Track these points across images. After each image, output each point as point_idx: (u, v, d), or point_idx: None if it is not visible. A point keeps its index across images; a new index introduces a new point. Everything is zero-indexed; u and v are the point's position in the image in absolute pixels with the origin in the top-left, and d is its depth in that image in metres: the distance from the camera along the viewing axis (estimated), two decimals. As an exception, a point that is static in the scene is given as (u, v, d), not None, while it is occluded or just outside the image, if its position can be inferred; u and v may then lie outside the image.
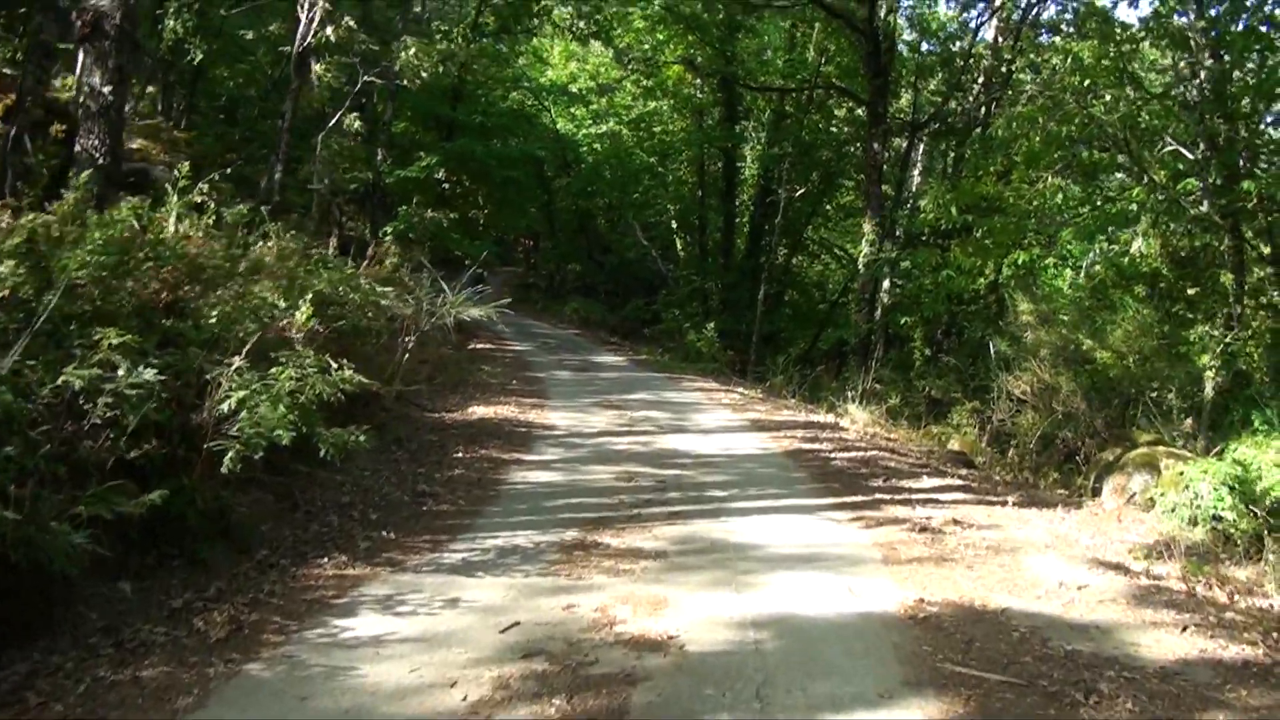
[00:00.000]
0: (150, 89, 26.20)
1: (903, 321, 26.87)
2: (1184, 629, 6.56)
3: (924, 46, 31.86)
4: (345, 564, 7.29)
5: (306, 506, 8.59)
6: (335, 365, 7.55)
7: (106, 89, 11.36)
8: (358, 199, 28.56)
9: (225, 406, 6.95)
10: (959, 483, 11.48)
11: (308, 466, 9.48)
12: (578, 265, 45.26)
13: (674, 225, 38.32)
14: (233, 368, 7.15)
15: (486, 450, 11.88)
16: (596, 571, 7.28)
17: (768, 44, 33.97)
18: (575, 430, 13.98)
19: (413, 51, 16.87)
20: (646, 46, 31.02)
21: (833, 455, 12.84)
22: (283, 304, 9.78)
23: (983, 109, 29.47)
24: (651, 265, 39.82)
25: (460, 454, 11.48)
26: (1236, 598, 7.43)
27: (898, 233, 29.53)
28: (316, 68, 17.85)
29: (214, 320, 7.70)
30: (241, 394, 6.93)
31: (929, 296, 25.25)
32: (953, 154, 31.27)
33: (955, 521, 9.13)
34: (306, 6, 17.23)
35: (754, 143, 35.73)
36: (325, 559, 7.37)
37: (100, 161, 11.29)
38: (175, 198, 10.54)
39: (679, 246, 39.39)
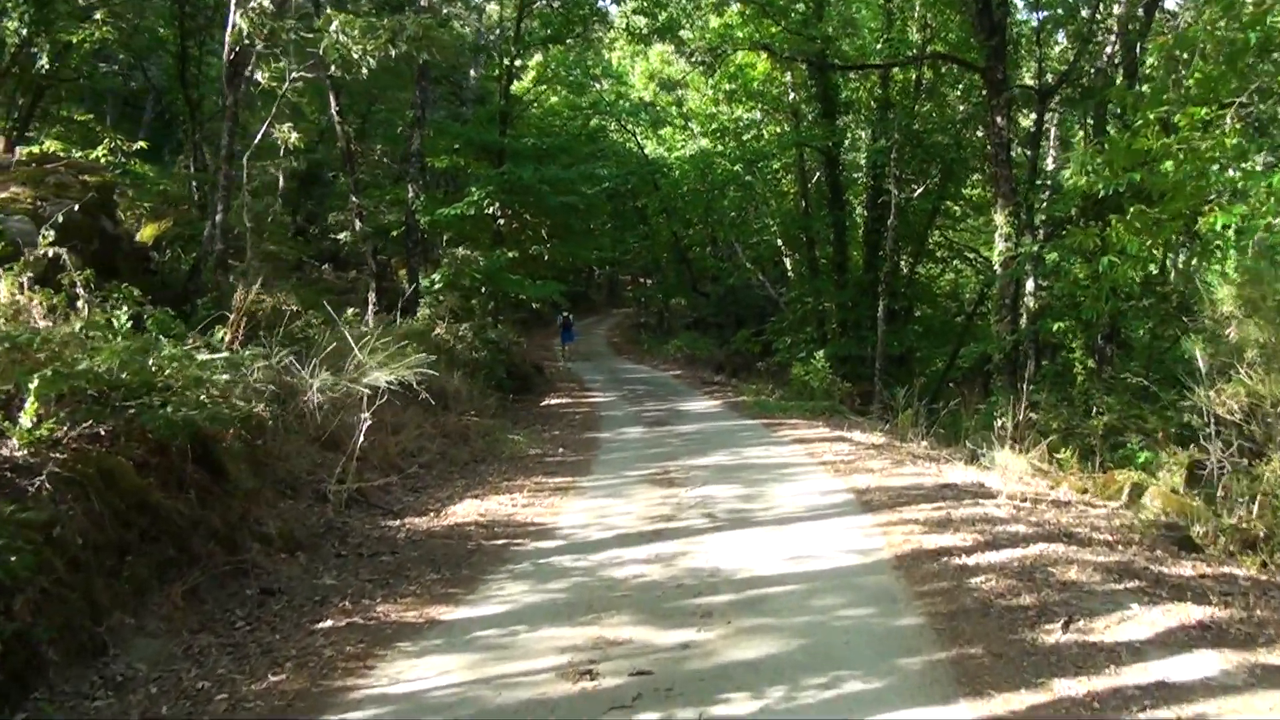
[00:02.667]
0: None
1: (1055, 328, 21.21)
2: None
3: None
4: None
5: None
6: None
7: None
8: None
9: None
10: (1197, 614, 6.16)
11: None
12: (682, 299, 40.41)
13: (779, 243, 33.01)
14: None
15: (390, 605, 7.05)
16: None
17: (861, 24, 28.57)
18: (580, 537, 9.05)
19: (335, 26, 12.11)
20: (718, 36, 25.79)
21: (973, 560, 7.63)
22: None
23: (1120, 63, 23.74)
24: (760, 290, 34.67)
25: (330, 622, 6.65)
26: None
27: (1036, 222, 23.96)
28: (259, 77, 13.41)
29: None
30: None
31: (1087, 293, 19.69)
32: (1092, 120, 25.58)
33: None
34: (232, 8, 12.80)
35: (858, 140, 30.37)
36: None
37: None
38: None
39: (789, 266, 34.10)
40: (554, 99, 37.77)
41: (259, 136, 13.94)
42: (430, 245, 23.96)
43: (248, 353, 8.98)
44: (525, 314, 36.98)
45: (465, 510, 10.44)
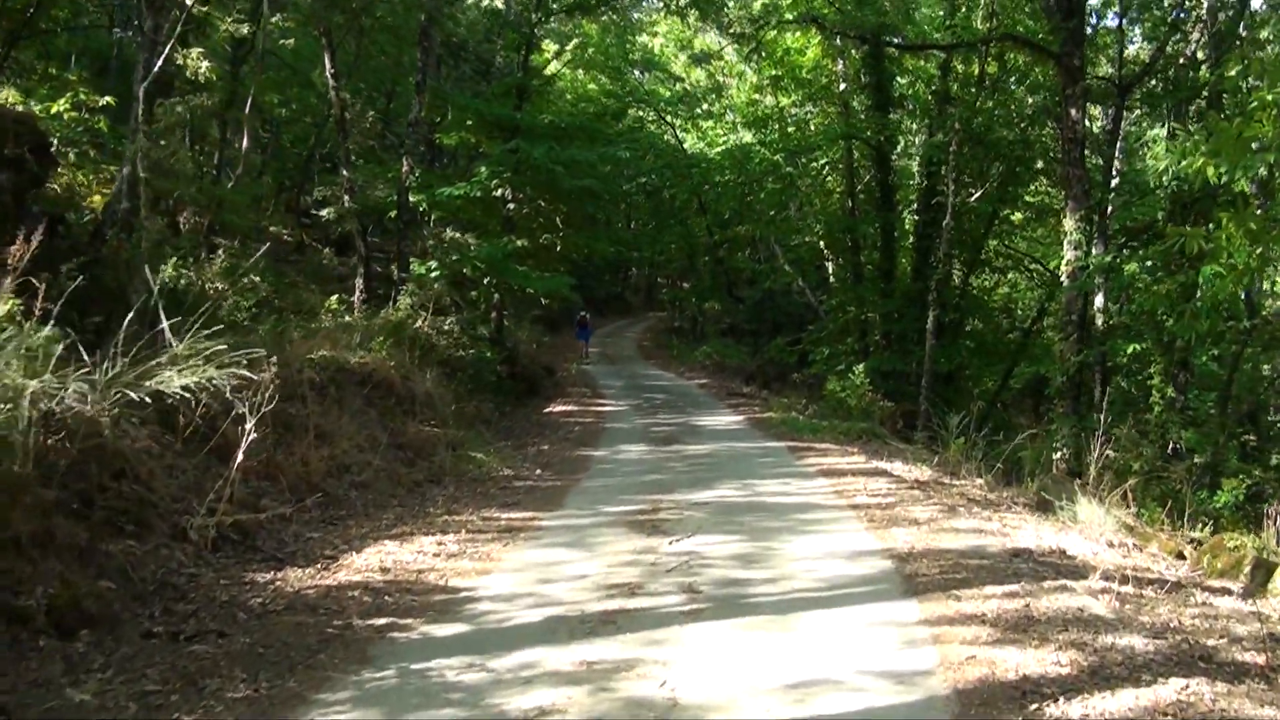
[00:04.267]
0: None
1: (1129, 350, 18.18)
2: None
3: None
4: None
5: None
6: None
7: None
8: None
9: None
10: None
11: None
12: (716, 303, 37.52)
13: (822, 245, 29.91)
14: None
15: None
16: None
17: (923, 20, 25.49)
18: (495, 620, 6.27)
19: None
20: (763, 9, 22.69)
21: (1077, 711, 4.76)
22: None
23: (1207, 59, 20.65)
24: (799, 297, 31.66)
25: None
26: None
27: (1110, 230, 20.89)
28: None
29: None
30: None
31: (1180, 309, 16.77)
32: (1173, 122, 22.45)
33: None
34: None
35: (910, 144, 27.37)
36: None
37: None
38: None
39: (831, 272, 31.05)
40: (592, 86, 35.11)
41: (159, 62, 11.06)
42: (425, 227, 21.22)
43: (43, 334, 6.19)
44: (546, 311, 34.34)
45: (368, 560, 7.67)
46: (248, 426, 7.94)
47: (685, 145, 34.29)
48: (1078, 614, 6.28)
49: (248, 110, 18.52)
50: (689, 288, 41.18)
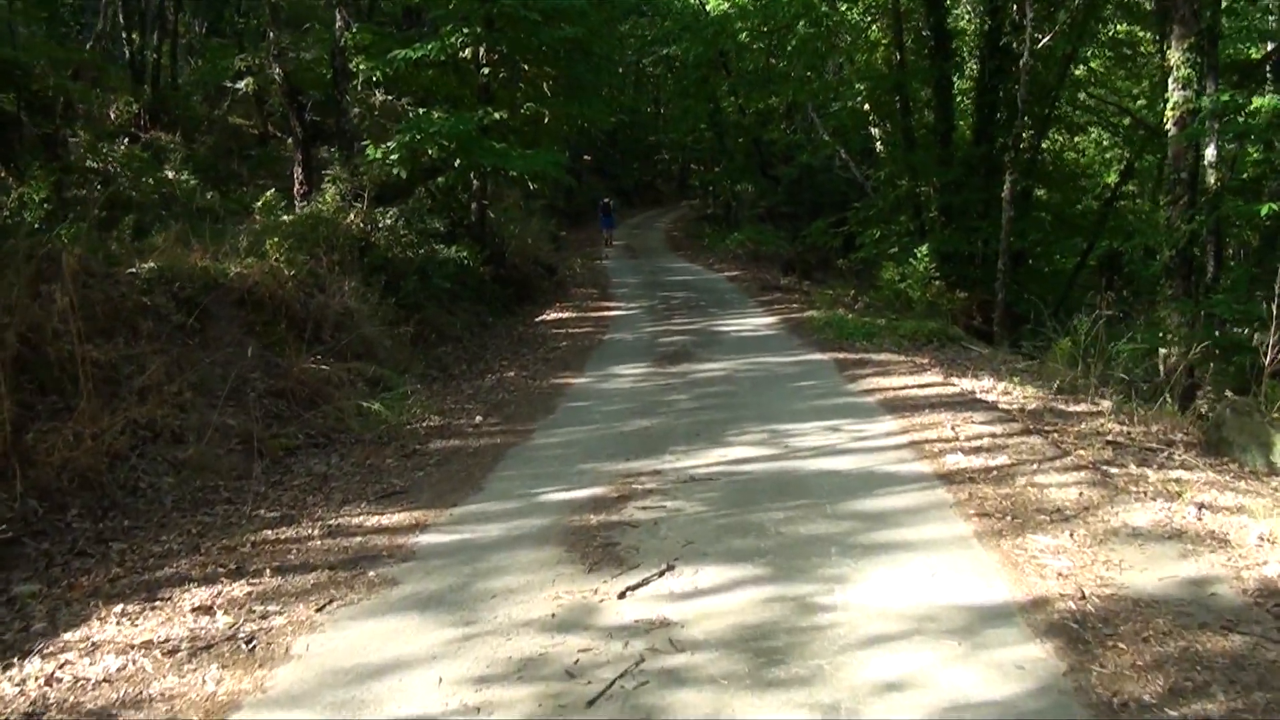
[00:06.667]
0: None
1: (1264, 211, 13.76)
2: None
3: None
4: None
5: None
6: None
7: None
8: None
9: None
10: None
11: None
12: (749, 185, 32.95)
13: (866, 109, 25.05)
14: None
15: None
16: None
17: None
18: None
19: None
20: None
21: None
22: None
23: None
24: (841, 172, 27.00)
25: None
26: None
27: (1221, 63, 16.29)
28: None
29: None
30: None
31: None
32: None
33: None
34: None
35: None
36: None
37: None
38: None
39: (877, 138, 26.24)
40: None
41: None
42: (351, 92, 16.68)
43: None
44: (568, 204, 30.17)
45: (26, 681, 3.77)
46: None
47: (707, 7, 29.54)
48: None
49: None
50: (720, 170, 36.48)
